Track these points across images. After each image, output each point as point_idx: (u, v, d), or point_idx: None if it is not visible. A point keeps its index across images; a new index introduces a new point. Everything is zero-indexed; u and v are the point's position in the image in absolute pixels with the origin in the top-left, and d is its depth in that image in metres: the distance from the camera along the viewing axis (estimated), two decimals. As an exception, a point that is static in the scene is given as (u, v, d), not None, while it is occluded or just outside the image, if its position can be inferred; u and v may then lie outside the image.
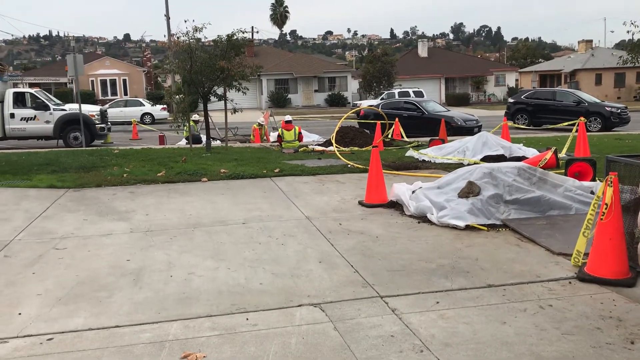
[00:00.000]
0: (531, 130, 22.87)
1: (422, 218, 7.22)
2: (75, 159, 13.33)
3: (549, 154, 11.10)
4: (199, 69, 14.69)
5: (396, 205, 7.92)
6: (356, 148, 15.32)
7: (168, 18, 22.78)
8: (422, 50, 60.50)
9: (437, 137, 16.08)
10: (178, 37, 15.31)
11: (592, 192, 7.50)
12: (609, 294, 4.73)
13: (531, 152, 12.75)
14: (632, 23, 18.77)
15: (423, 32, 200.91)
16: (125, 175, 10.77)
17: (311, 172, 11.06)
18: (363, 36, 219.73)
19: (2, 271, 5.57)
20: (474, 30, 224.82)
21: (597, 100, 24.93)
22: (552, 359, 3.67)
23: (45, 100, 20.28)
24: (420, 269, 5.42)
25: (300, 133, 16.63)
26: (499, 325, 4.17)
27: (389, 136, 17.67)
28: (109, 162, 12.79)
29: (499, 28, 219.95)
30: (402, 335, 4.03)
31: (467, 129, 19.61)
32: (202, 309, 4.55)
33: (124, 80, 53.33)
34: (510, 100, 26.60)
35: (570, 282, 5.01)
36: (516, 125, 23.15)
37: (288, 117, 17.06)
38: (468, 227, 6.70)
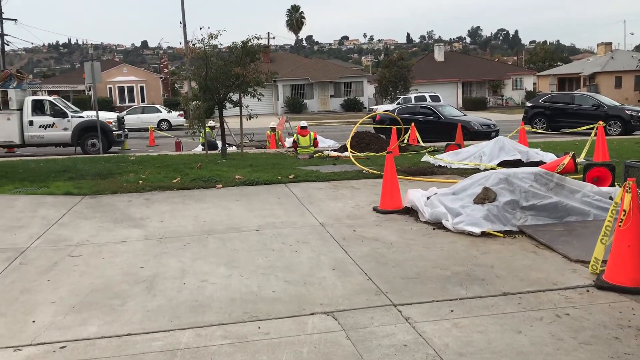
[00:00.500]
0: (549, 135, 22.63)
1: (437, 224, 7.16)
2: (92, 165, 13.46)
3: (566, 159, 10.96)
4: (215, 76, 14.76)
5: (411, 212, 7.86)
6: (371, 153, 15.27)
7: (184, 25, 22.99)
8: (439, 55, 60.29)
9: (454, 142, 15.96)
10: (194, 44, 15.43)
11: (611, 198, 7.38)
12: (628, 302, 4.64)
13: (549, 157, 12.60)
14: None
15: (440, 36, 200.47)
16: (141, 182, 10.85)
17: (326, 178, 11.04)
18: (379, 41, 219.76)
19: (17, 278, 5.62)
20: (491, 33, 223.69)
21: (617, 104, 24.60)
22: (568, 369, 3.61)
23: (63, 108, 20.52)
24: (435, 276, 5.36)
25: (315, 139, 16.64)
26: (515, 334, 4.11)
27: (405, 141, 17.60)
28: (126, 168, 12.89)
29: (516, 31, 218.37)
30: (415, 345, 3.98)
31: (484, 134, 19.45)
32: (214, 317, 4.55)
33: (141, 87, 53.86)
34: (528, 104, 26.35)
35: (587, 290, 4.92)
36: (534, 130, 22.94)
37: (303, 123, 17.09)
38: (484, 234, 6.63)
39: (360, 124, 17.03)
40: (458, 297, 4.84)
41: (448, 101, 40.57)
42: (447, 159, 12.92)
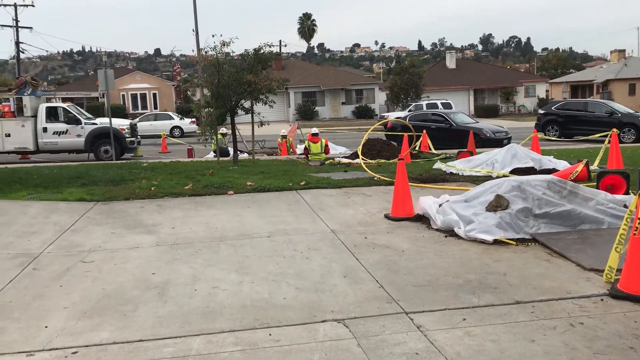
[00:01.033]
0: (562, 142, 22.48)
1: (449, 232, 7.12)
2: (104, 172, 13.55)
3: (580, 167, 10.86)
4: (227, 83, 14.84)
5: (423, 219, 7.83)
6: (383, 160, 15.25)
7: (197, 33, 23.08)
8: (450, 62, 60.23)
9: (466, 149, 15.90)
10: (206, 52, 15.53)
11: (625, 206, 7.30)
12: (643, 311, 4.58)
13: (562, 165, 12.50)
14: None
15: (451, 44, 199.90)
16: (153, 188, 10.90)
17: (337, 185, 11.03)
18: (390, 48, 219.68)
19: (30, 284, 5.66)
20: (503, 41, 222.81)
21: (631, 111, 24.40)
22: (583, 379, 3.56)
23: (76, 115, 20.71)
24: (447, 284, 5.33)
25: (326, 146, 16.66)
26: (528, 343, 4.06)
27: (417, 148, 17.55)
28: (138, 175, 12.97)
29: (528, 39, 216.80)
30: (427, 353, 3.95)
31: (496, 141, 19.37)
32: (225, 323, 4.55)
33: (154, 94, 54.29)
34: (541, 111, 26.22)
35: (602, 299, 4.86)
36: (547, 137, 22.79)
37: (315, 130, 17.12)
38: (496, 242, 6.59)
39: (371, 131, 17.02)
40: (470, 305, 4.80)
41: (460, 108, 40.47)
42: (459, 166, 12.86)
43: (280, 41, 69.03)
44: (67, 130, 20.26)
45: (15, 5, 41.94)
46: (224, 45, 14.89)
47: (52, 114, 20.59)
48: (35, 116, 20.21)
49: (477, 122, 23.39)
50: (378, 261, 6.08)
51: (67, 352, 4.13)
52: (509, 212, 6.97)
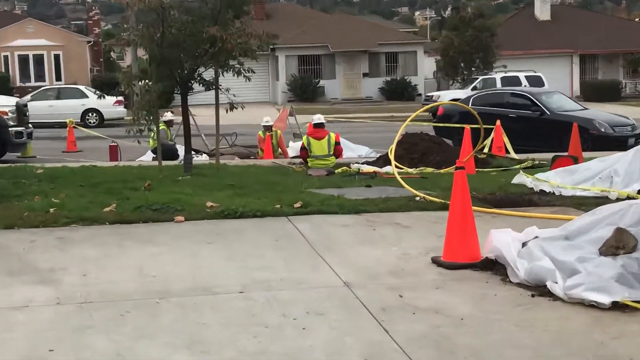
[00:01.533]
0: None
1: (539, 288, 7.12)
2: (-27, 182, 13.56)
3: None
4: (176, 40, 14.88)
5: (495, 266, 7.84)
6: (430, 169, 15.27)
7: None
8: (542, 10, 60.52)
9: (566, 154, 15.90)
10: (143, -11, 15.58)
11: None
12: None
13: None
14: None
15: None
16: (52, 210, 10.90)
17: (354, 209, 11.03)
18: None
19: None
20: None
21: None
22: None
23: None
24: (535, 375, 5.31)
25: (337, 144, 16.62)
26: None
27: (486, 150, 17.56)
28: (28, 188, 12.97)
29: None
30: None
31: (617, 140, 19.42)
32: None
33: (57, 57, 54.55)
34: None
35: None
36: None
37: (319, 118, 17.07)
38: (616, 305, 6.57)
39: (411, 120, 17.02)
40: (574, 411, 4.78)
41: (557, 86, 40.52)
42: (555, 180, 12.87)
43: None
44: None
45: None
46: (172, -21, 14.98)
47: None
48: None
49: (585, 108, 23.46)
50: (422, 335, 6.07)
51: None
52: (637, 257, 6.95)
